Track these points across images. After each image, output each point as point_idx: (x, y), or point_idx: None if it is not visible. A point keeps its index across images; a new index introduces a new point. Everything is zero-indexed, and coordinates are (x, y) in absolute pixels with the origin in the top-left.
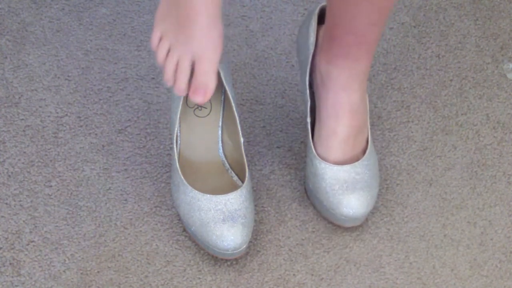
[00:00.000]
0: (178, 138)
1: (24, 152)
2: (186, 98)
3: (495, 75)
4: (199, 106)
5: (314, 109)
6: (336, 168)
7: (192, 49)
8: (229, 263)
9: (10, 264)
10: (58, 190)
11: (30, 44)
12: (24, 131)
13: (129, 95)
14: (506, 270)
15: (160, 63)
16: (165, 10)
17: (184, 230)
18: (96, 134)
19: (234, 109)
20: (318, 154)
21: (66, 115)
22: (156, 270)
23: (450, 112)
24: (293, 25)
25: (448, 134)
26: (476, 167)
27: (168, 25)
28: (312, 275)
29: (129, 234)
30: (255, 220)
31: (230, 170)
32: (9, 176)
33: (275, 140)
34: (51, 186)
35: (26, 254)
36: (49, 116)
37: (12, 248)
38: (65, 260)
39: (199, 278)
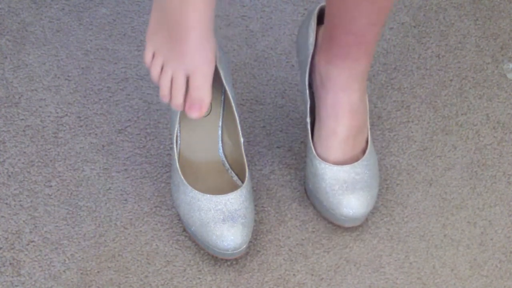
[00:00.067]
0: (178, 138)
1: (24, 152)
2: None
3: (495, 75)
4: None
5: (314, 109)
6: (336, 168)
7: (186, 65)
8: (229, 263)
9: (10, 264)
10: (58, 190)
11: (30, 44)
12: (24, 131)
13: (129, 95)
14: (506, 270)
15: (155, 80)
16: (156, 26)
17: (184, 230)
18: (96, 134)
19: (234, 109)
20: (318, 154)
21: (66, 115)
22: (156, 270)
23: (450, 112)
24: (293, 25)
25: (448, 134)
26: (476, 167)
27: (160, 41)
28: (312, 275)
29: (129, 234)
30: (255, 220)
31: (230, 170)
32: (9, 176)
33: (275, 140)
34: (51, 186)
35: (26, 254)
36: (49, 116)
37: (12, 248)
38: (65, 260)
39: (199, 278)
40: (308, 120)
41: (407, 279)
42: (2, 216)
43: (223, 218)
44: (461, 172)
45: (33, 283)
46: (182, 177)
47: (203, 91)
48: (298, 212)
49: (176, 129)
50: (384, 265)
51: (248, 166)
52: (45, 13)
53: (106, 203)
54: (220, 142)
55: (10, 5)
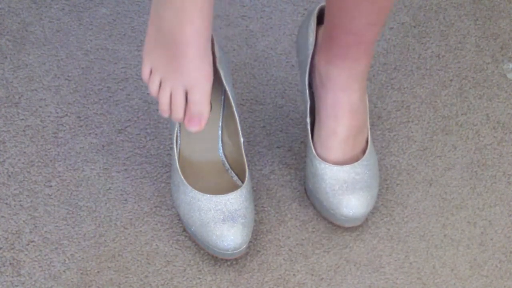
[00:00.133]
0: (178, 138)
1: (24, 152)
2: None
3: (495, 75)
4: None
5: (314, 109)
6: (336, 168)
7: (184, 81)
8: (229, 263)
9: (10, 264)
10: (58, 190)
11: (30, 44)
12: (24, 131)
13: (129, 95)
14: (506, 270)
15: (154, 95)
16: (152, 42)
17: (184, 230)
18: (96, 134)
19: (234, 109)
20: (318, 154)
21: (66, 115)
22: (156, 270)
23: (450, 112)
24: (293, 25)
25: (448, 134)
26: (476, 167)
27: (157, 57)
28: (312, 275)
29: (129, 234)
30: (255, 220)
31: (230, 170)
32: (9, 176)
33: (275, 140)
34: (51, 186)
35: (26, 254)
36: (49, 116)
37: (12, 248)
38: (65, 260)
39: (199, 278)
40: (308, 120)
41: (407, 279)
42: (2, 216)
43: (223, 218)
44: (461, 172)
45: (33, 283)
46: (182, 177)
47: (202, 105)
48: (298, 212)
49: (176, 129)
50: (384, 265)
51: (248, 166)
52: (45, 13)
53: (106, 203)
54: (220, 142)
55: (10, 5)
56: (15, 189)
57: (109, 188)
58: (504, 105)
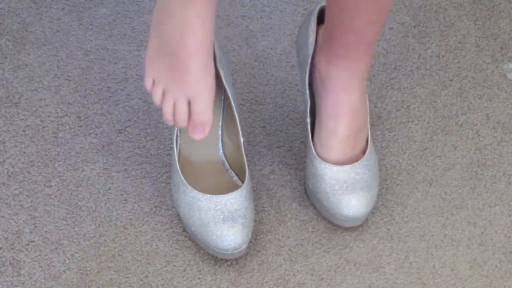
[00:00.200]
0: (178, 138)
1: (24, 152)
2: None
3: (495, 75)
4: None
5: (314, 109)
6: (336, 168)
7: (187, 92)
8: (229, 263)
9: (10, 264)
10: (58, 190)
11: (30, 44)
12: (24, 131)
13: (129, 95)
14: (506, 270)
15: (157, 105)
16: (154, 54)
17: (184, 230)
18: (96, 134)
19: (234, 109)
20: (318, 154)
21: (66, 115)
22: (156, 270)
23: (450, 112)
24: (293, 25)
25: (448, 134)
26: (476, 167)
27: (160, 69)
28: (312, 275)
29: (129, 234)
30: (255, 220)
31: (230, 170)
32: (9, 176)
33: (275, 140)
34: (51, 186)
35: (26, 254)
36: (49, 116)
37: (12, 248)
38: (65, 260)
39: (199, 278)
40: (308, 120)
41: (407, 279)
42: (2, 216)
43: (223, 218)
44: (461, 172)
45: (33, 283)
46: (182, 177)
47: (205, 115)
48: (298, 212)
49: (176, 129)
50: (384, 265)
51: (248, 166)
52: (45, 13)
53: (106, 203)
54: (220, 142)
55: (10, 5)
56: (15, 189)
57: (109, 188)
58: (504, 105)
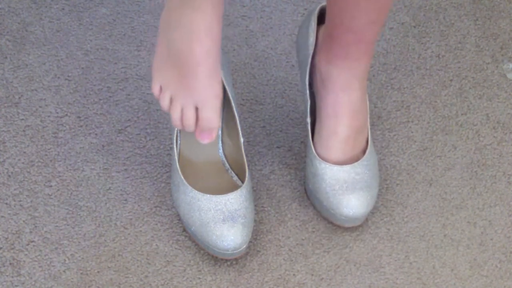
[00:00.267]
0: (178, 138)
1: (24, 152)
2: None
3: (495, 75)
4: None
5: (314, 109)
6: (336, 168)
7: (194, 99)
8: (229, 263)
9: (10, 264)
10: (58, 190)
11: (30, 44)
12: (24, 131)
13: (129, 95)
14: (506, 270)
15: (165, 110)
16: (162, 61)
17: (184, 230)
18: (96, 134)
19: (234, 109)
20: (318, 154)
21: (66, 115)
22: (156, 270)
23: (450, 112)
24: (293, 25)
25: (448, 134)
26: (476, 167)
27: (167, 76)
28: (312, 275)
29: (129, 234)
30: (255, 220)
31: (230, 170)
32: (9, 176)
33: (275, 140)
34: (51, 186)
35: (26, 254)
36: (49, 116)
37: (12, 248)
38: (65, 260)
39: (199, 278)
40: (308, 120)
41: (407, 279)
42: (2, 216)
43: (223, 218)
44: (461, 172)
45: (33, 283)
46: (182, 177)
47: (212, 121)
48: (298, 212)
49: (176, 129)
50: (384, 265)
51: (248, 166)
52: (45, 13)
53: (106, 203)
54: (220, 142)
55: (10, 5)
56: (15, 189)
57: (109, 188)
58: (504, 105)
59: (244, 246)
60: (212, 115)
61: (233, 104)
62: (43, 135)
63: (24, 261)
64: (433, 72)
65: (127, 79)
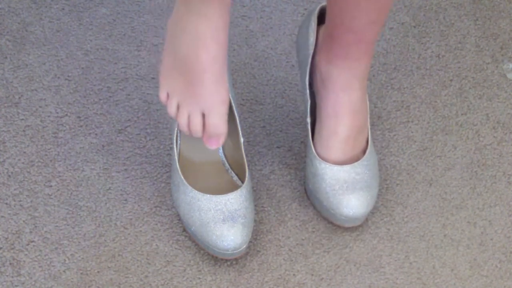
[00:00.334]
0: (178, 138)
1: (24, 152)
2: None
3: (495, 75)
4: None
5: (314, 109)
6: (336, 168)
7: (201, 106)
8: (229, 263)
9: (10, 264)
10: (58, 190)
11: (30, 44)
12: (24, 131)
13: (129, 95)
14: (506, 270)
15: (172, 117)
16: (169, 68)
17: (184, 230)
18: (96, 134)
19: (234, 109)
20: (318, 154)
21: (66, 115)
22: (156, 270)
23: (450, 112)
24: (293, 25)
25: (448, 134)
26: (476, 167)
27: (174, 83)
28: (312, 275)
29: (129, 234)
30: (255, 220)
31: (230, 170)
32: (9, 176)
33: (275, 140)
34: (51, 186)
35: (26, 254)
36: (49, 116)
37: (12, 248)
38: (65, 260)
39: (199, 278)
40: (308, 120)
41: (407, 279)
42: (2, 216)
43: (223, 218)
44: (461, 172)
45: (33, 283)
46: (182, 177)
47: (219, 127)
48: (298, 212)
49: (176, 129)
50: (384, 265)
51: (248, 166)
52: (45, 13)
53: (106, 203)
54: None
55: (10, 5)
56: (15, 189)
57: (109, 188)
58: (504, 105)
59: (244, 246)
60: (218, 121)
61: (233, 104)
62: (43, 135)
63: (24, 261)
64: (433, 72)
65: (127, 79)
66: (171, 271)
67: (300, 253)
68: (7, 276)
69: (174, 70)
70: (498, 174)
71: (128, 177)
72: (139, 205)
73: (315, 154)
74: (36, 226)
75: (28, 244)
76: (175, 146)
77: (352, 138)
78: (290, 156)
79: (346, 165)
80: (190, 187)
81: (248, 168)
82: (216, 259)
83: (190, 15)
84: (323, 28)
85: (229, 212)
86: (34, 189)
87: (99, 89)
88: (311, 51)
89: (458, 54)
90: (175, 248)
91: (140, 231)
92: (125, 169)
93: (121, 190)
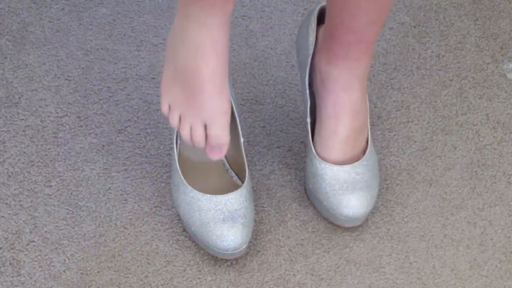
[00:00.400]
0: (178, 138)
1: (24, 152)
2: None
3: (495, 75)
4: None
5: (314, 109)
6: (336, 168)
7: (203, 117)
8: (229, 263)
9: (10, 264)
10: (58, 190)
11: (30, 44)
12: (24, 131)
13: (129, 95)
14: (506, 270)
15: (174, 128)
16: (170, 80)
17: (184, 230)
18: (96, 134)
19: (234, 109)
20: (318, 154)
21: (66, 115)
22: (156, 270)
23: (450, 112)
24: (293, 25)
25: (448, 134)
26: (476, 167)
27: (175, 94)
28: (312, 275)
29: (129, 234)
30: (255, 220)
31: (230, 170)
32: (9, 176)
33: (275, 140)
34: (51, 186)
35: (26, 254)
36: (49, 116)
37: (12, 248)
38: (65, 260)
39: (199, 278)
40: (308, 120)
41: (407, 279)
42: (2, 216)
43: (223, 218)
44: (461, 172)
45: (33, 283)
46: (182, 177)
47: (221, 138)
48: (298, 212)
49: (176, 129)
50: (384, 265)
51: (248, 166)
52: (45, 13)
53: (106, 203)
54: None
55: (10, 5)
56: (15, 189)
57: (109, 188)
58: (504, 105)
59: (244, 246)
60: (220, 133)
61: (233, 104)
62: (43, 135)
63: (24, 261)
64: (433, 72)
65: (127, 79)
66: (171, 271)
67: (300, 253)
68: (7, 276)
69: (174, 82)
70: (498, 174)
71: (128, 177)
72: (139, 205)
73: (315, 154)
74: (36, 226)
75: (28, 244)
76: (175, 146)
77: (352, 138)
78: (290, 156)
79: (346, 165)
80: (190, 187)
81: (248, 168)
82: (216, 259)
83: (189, 24)
84: (323, 28)
85: (229, 212)
86: (34, 189)
87: (99, 89)
88: (311, 51)
89: (458, 54)
90: (175, 248)
91: (140, 231)
92: (125, 169)
93: (121, 190)
